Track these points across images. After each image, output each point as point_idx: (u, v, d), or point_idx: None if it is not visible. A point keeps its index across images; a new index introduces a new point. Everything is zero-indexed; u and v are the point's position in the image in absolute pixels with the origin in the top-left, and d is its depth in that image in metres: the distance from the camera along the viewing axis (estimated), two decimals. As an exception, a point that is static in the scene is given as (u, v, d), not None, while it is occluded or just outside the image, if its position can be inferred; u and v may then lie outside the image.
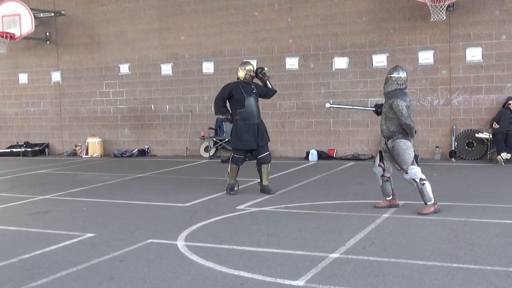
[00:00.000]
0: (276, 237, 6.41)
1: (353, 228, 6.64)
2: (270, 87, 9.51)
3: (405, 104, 7.37)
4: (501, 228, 6.50)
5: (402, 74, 7.53)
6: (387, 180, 7.70)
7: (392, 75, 7.54)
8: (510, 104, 12.23)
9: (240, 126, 9.10)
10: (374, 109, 8.20)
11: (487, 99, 12.86)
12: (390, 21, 13.51)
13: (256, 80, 9.44)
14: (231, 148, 9.94)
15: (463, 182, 9.94)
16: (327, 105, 9.38)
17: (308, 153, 14.02)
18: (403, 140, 7.42)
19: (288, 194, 9.12)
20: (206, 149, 15.25)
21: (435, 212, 7.28)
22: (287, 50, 14.55)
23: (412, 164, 7.39)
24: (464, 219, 6.97)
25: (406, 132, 7.43)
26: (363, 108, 10.35)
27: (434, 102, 13.28)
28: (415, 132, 7.59)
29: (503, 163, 11.78)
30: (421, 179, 7.34)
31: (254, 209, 8.02)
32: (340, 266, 5.22)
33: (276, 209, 7.98)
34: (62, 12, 17.02)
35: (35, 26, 16.04)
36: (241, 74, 9.22)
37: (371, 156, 13.37)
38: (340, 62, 14.03)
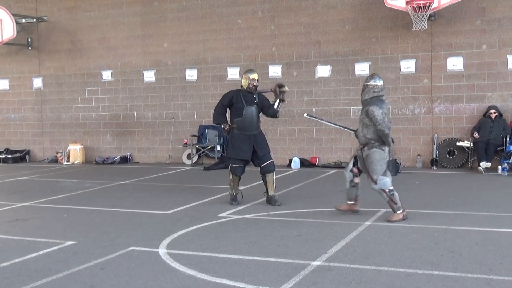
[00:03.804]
0: (258, 244, 6.40)
1: (335, 236, 6.66)
2: (275, 106, 8.88)
3: (381, 111, 7.40)
4: (481, 236, 6.55)
5: (379, 82, 7.56)
6: (354, 186, 7.79)
7: (368, 83, 7.58)
8: (491, 113, 12.36)
9: (236, 136, 8.78)
10: (354, 131, 7.96)
11: (468, 108, 12.98)
12: (372, 30, 13.61)
13: (271, 95, 8.97)
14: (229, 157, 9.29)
15: (444, 190, 10.00)
16: (305, 115, 8.95)
17: (290, 161, 14.05)
18: (378, 150, 7.45)
19: (268, 201, 9.10)
20: (189, 157, 15.22)
21: (403, 219, 7.35)
22: (270, 58, 14.58)
23: (383, 174, 7.44)
24: (445, 227, 7.02)
25: (383, 140, 7.46)
26: (342, 127, 9.36)
27: (416, 111, 13.38)
28: (392, 140, 7.62)
29: (483, 172, 11.89)
30: (389, 190, 7.39)
31: (237, 216, 8.00)
32: (322, 274, 5.23)
33: (259, 216, 7.97)
34: (44, 18, 16.92)
35: (17, 32, 15.91)
36: (244, 82, 8.82)
37: (353, 164, 13.41)
38: (323, 70, 14.09)
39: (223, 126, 8.89)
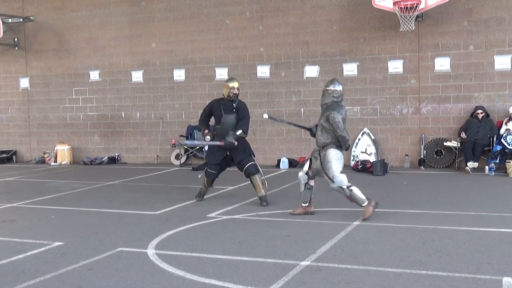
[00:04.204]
0: (247, 245, 6.40)
1: (324, 236, 6.67)
2: (235, 133, 8.82)
3: (341, 116, 7.59)
4: (469, 236, 6.59)
5: (338, 87, 7.74)
6: (309, 188, 7.93)
7: (328, 88, 7.76)
8: (478, 113, 12.43)
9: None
10: (310, 129, 8.16)
11: (455, 108, 13.06)
12: (360, 30, 13.65)
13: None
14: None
15: (432, 190, 10.05)
16: (265, 115, 9.02)
17: (279, 161, 14.06)
18: (336, 150, 7.64)
19: (259, 202, 9.11)
20: (177, 157, 15.19)
21: (375, 208, 7.49)
22: (259, 58, 14.59)
23: (338, 173, 7.61)
24: (433, 226, 7.05)
25: (340, 144, 7.65)
26: (300, 125, 9.12)
27: (403, 111, 13.44)
28: (349, 145, 7.83)
29: (470, 172, 11.96)
30: (347, 186, 7.54)
31: (225, 217, 8.00)
32: (311, 274, 5.24)
33: (247, 217, 7.98)
34: (31, 17, 16.82)
35: (3, 32, 15.85)
36: (225, 91, 9.00)
37: (341, 164, 13.44)
38: (311, 71, 14.12)
39: (201, 131, 9.21)
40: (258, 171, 8.95)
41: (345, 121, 7.71)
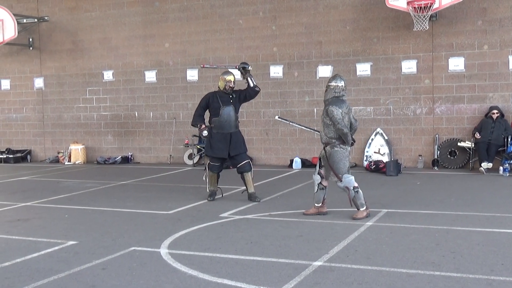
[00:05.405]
0: (260, 245, 6.40)
1: (336, 236, 6.66)
2: (250, 84, 9.33)
3: (340, 111, 7.64)
4: (483, 237, 6.55)
5: (340, 83, 7.81)
6: (322, 189, 7.93)
7: (330, 84, 7.85)
8: (493, 113, 12.35)
9: (213, 135, 9.24)
10: (319, 132, 8.22)
11: (470, 109, 12.98)
12: (373, 30, 13.60)
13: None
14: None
15: (446, 191, 10.00)
16: (276, 117, 9.18)
17: (292, 161, 14.04)
18: (339, 149, 7.69)
19: (272, 202, 9.13)
20: (190, 157, 15.22)
21: (367, 217, 7.59)
22: (272, 58, 14.58)
23: (347, 172, 7.68)
24: (447, 227, 7.02)
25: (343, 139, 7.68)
26: (314, 129, 9.26)
27: (417, 111, 13.38)
28: (353, 140, 7.85)
29: (484, 173, 11.88)
30: (354, 187, 7.63)
31: (238, 217, 8.01)
32: (323, 274, 5.23)
33: (260, 217, 7.98)
34: (46, 18, 16.93)
35: (18, 32, 15.93)
36: (221, 84, 9.33)
37: (354, 165, 13.42)
38: (324, 71, 14.08)
39: (198, 126, 9.32)
40: (251, 168, 9.27)
41: (348, 116, 7.76)
